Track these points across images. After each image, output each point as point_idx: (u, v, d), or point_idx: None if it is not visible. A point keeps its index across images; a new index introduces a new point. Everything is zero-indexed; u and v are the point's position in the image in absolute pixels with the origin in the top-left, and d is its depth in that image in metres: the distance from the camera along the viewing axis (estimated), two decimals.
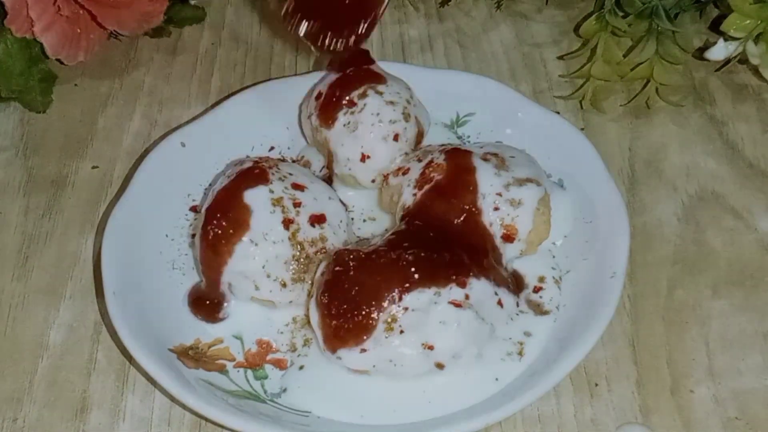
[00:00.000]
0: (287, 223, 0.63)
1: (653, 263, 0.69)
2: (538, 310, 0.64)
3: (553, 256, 0.67)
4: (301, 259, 0.63)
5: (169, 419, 0.61)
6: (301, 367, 0.62)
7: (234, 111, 0.76)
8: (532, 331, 0.63)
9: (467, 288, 0.59)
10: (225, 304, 0.65)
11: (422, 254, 0.60)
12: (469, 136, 0.76)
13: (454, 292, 0.59)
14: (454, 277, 0.59)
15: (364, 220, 0.72)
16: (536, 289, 0.65)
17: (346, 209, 0.68)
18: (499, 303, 0.62)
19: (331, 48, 0.70)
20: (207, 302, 0.65)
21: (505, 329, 0.62)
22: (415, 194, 0.66)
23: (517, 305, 0.64)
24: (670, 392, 0.62)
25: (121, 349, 0.65)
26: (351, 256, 0.60)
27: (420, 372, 0.60)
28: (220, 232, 0.63)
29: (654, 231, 0.71)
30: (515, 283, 0.65)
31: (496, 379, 0.60)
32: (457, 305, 0.59)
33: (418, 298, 0.58)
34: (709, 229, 0.71)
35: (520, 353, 0.61)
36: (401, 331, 0.58)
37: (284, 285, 0.63)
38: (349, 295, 0.59)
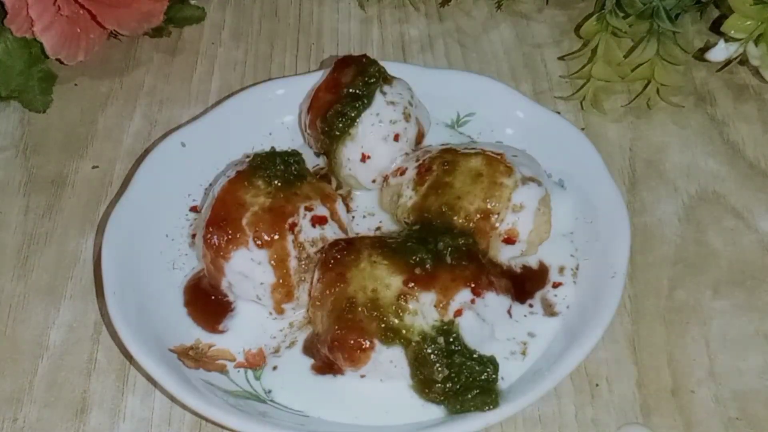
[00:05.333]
0: (291, 226, 0.63)
1: (654, 263, 0.69)
2: (549, 310, 0.64)
3: (571, 241, 0.67)
4: (302, 259, 0.63)
5: (170, 419, 0.61)
6: (275, 368, 0.62)
7: (234, 111, 0.76)
8: (536, 332, 0.63)
9: (481, 297, 0.60)
10: (228, 313, 0.65)
11: (425, 257, 0.60)
12: (469, 136, 0.76)
13: (463, 295, 0.59)
14: (472, 285, 0.59)
15: (364, 216, 0.71)
16: (555, 285, 0.65)
17: (348, 210, 0.68)
18: (509, 312, 0.62)
19: None
20: (209, 307, 0.65)
21: (510, 330, 0.62)
22: (414, 194, 0.66)
23: (530, 306, 0.64)
24: (671, 392, 0.61)
25: (121, 349, 0.65)
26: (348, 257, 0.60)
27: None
28: (221, 235, 0.63)
29: (654, 231, 0.71)
30: (539, 277, 0.65)
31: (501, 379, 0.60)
32: (458, 310, 0.59)
33: (422, 300, 0.59)
34: (709, 229, 0.71)
35: (524, 353, 0.61)
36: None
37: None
38: (349, 314, 0.59)
